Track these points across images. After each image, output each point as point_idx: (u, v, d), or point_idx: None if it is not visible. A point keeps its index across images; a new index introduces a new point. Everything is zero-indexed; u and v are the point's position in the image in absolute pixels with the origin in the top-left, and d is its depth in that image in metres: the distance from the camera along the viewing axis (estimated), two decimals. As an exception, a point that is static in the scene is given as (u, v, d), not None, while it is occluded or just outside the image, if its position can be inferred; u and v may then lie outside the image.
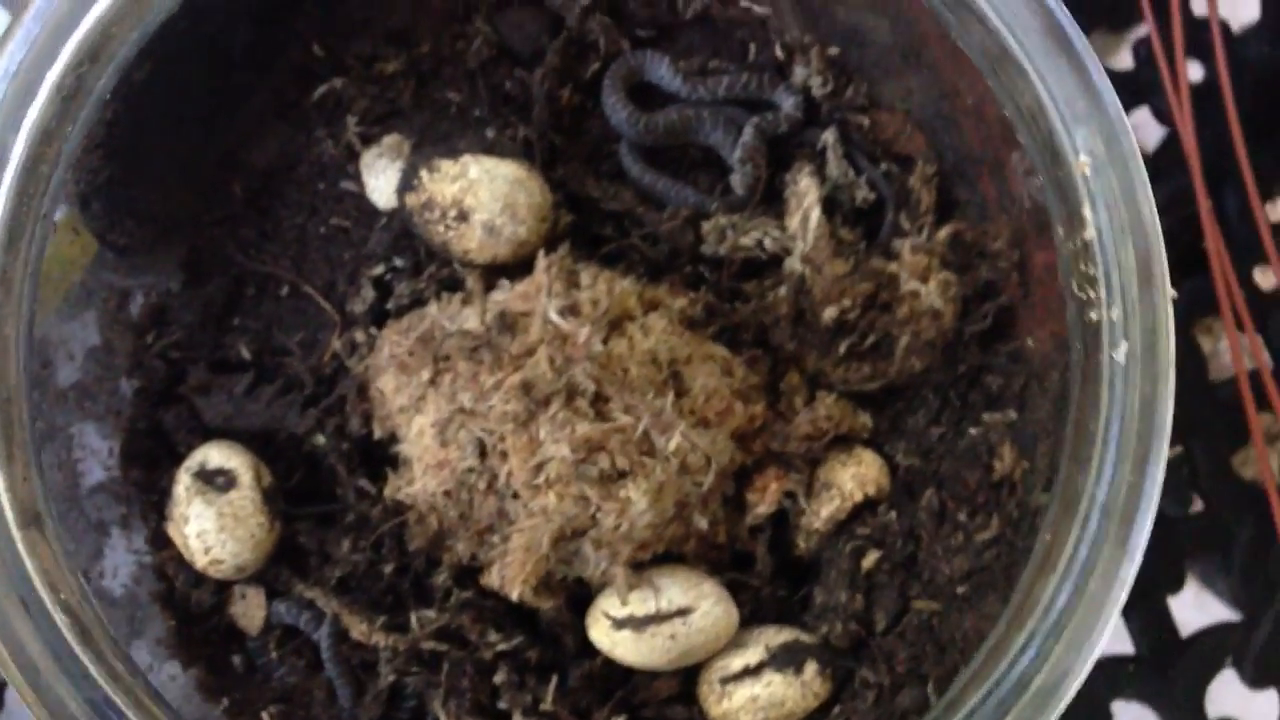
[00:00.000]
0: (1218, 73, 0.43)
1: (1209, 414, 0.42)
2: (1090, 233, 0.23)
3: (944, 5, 0.24)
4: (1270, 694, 0.41)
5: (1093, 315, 0.23)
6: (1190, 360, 0.42)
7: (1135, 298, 0.23)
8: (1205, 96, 0.43)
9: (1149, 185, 0.23)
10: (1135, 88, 0.44)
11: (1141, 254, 0.23)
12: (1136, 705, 0.41)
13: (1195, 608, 0.41)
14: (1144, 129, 0.45)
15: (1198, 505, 0.41)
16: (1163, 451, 0.23)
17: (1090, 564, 0.23)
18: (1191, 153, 0.41)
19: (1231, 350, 0.41)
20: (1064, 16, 0.24)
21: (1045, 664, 0.23)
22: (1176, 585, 0.41)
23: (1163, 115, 0.44)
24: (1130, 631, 0.41)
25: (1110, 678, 0.40)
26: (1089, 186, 0.23)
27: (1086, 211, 0.23)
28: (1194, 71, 0.44)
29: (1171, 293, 0.23)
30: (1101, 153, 0.23)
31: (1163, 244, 0.23)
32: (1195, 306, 0.42)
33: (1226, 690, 0.41)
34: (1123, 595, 0.22)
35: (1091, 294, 0.23)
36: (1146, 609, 0.41)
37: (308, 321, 0.33)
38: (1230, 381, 0.42)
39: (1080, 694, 0.41)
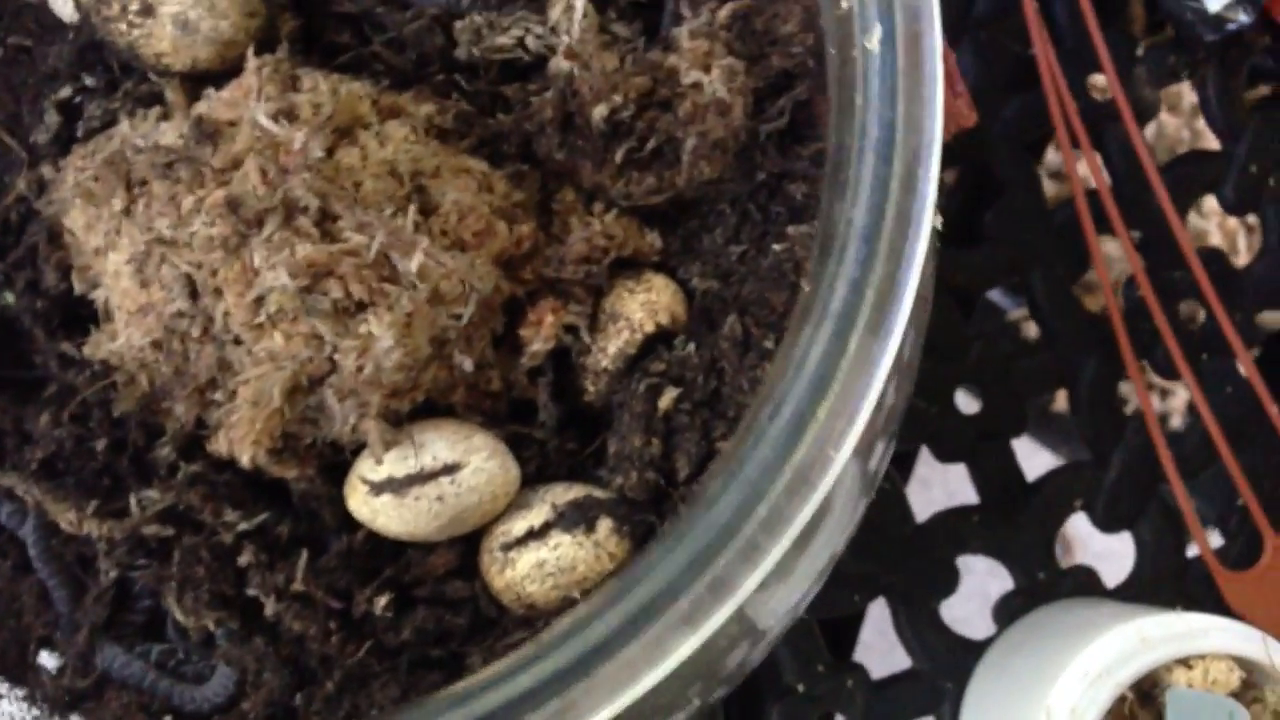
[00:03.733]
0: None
1: (1046, 241, 0.38)
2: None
3: None
4: (1124, 536, 0.38)
5: (843, 5, 0.19)
6: (1026, 185, 0.39)
7: None
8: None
9: None
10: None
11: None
12: (984, 560, 0.38)
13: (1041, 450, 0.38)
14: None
15: (1040, 341, 0.39)
16: (933, 160, 0.19)
17: (851, 309, 0.19)
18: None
19: (1067, 167, 0.38)
20: None
21: (803, 434, 0.19)
22: (1019, 428, 0.38)
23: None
24: (973, 480, 0.38)
25: (953, 532, 0.37)
26: None
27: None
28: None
29: None
30: None
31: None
32: (1028, 124, 0.39)
33: (1077, 534, 0.38)
34: (891, 345, 0.18)
35: None
36: (989, 454, 0.38)
37: (-10, 163, 0.28)
38: (1068, 204, 0.38)
39: (924, 550, 0.38)
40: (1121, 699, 0.30)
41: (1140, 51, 0.39)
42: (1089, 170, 0.38)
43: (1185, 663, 0.30)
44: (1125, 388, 0.39)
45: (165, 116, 0.26)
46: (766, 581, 0.23)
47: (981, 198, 0.39)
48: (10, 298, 0.27)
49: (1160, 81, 0.39)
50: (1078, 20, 0.38)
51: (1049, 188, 0.39)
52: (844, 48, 0.20)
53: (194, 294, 0.25)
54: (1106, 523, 0.38)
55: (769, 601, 0.24)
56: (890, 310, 0.18)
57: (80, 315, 0.27)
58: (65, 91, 0.27)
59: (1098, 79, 0.39)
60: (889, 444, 0.26)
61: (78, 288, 0.27)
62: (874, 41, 0.19)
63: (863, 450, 0.24)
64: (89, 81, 0.27)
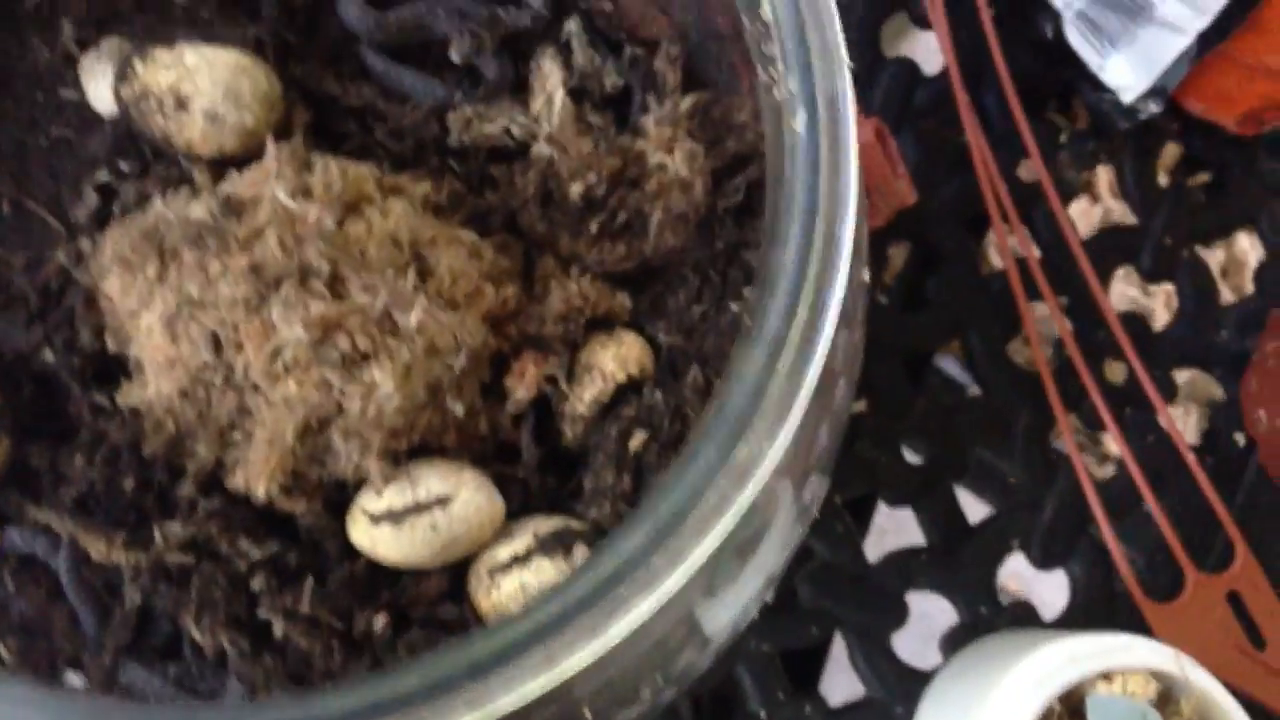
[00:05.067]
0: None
1: (982, 306, 0.42)
2: (766, 11, 0.23)
3: None
4: (1058, 574, 0.41)
5: (776, 95, 0.23)
6: (963, 256, 0.43)
7: (812, 68, 0.23)
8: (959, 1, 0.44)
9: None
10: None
11: (816, 27, 0.23)
12: (931, 595, 0.41)
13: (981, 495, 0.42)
14: (906, 38, 0.46)
15: (976, 393, 0.42)
16: (849, 217, 0.22)
17: (783, 334, 0.22)
18: (946, 50, 0.42)
19: (998, 241, 0.42)
20: None
21: (744, 436, 0.22)
22: (961, 473, 0.41)
23: (921, 20, 0.45)
24: (920, 523, 0.41)
25: (903, 571, 0.41)
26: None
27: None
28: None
29: (848, 63, 0.23)
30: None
31: (837, 17, 0.23)
32: (965, 203, 0.43)
33: (1015, 573, 0.42)
34: (816, 362, 0.22)
35: (774, 74, 0.23)
36: (933, 499, 0.41)
37: (32, 238, 0.31)
38: (1001, 274, 0.42)
39: (874, 588, 0.41)
40: (1050, 712, 0.33)
41: (1063, 138, 0.43)
42: (1019, 243, 0.42)
43: (1107, 677, 0.33)
44: (1058, 439, 0.43)
45: (193, 195, 0.29)
46: (713, 588, 0.26)
47: (924, 269, 0.43)
48: (50, 356, 0.30)
49: (1081, 164, 0.43)
50: (1006, 110, 0.42)
51: (994, 260, 0.43)
52: (777, 128, 0.24)
53: (218, 348, 0.28)
54: (1041, 561, 0.41)
55: (714, 609, 0.27)
56: (815, 334, 0.22)
57: (110, 371, 0.30)
58: (103, 175, 0.31)
59: (1026, 163, 0.44)
60: (823, 480, 0.30)
61: (110, 346, 0.30)
62: (799, 124, 0.23)
63: (797, 480, 0.28)
64: (124, 166, 0.31)
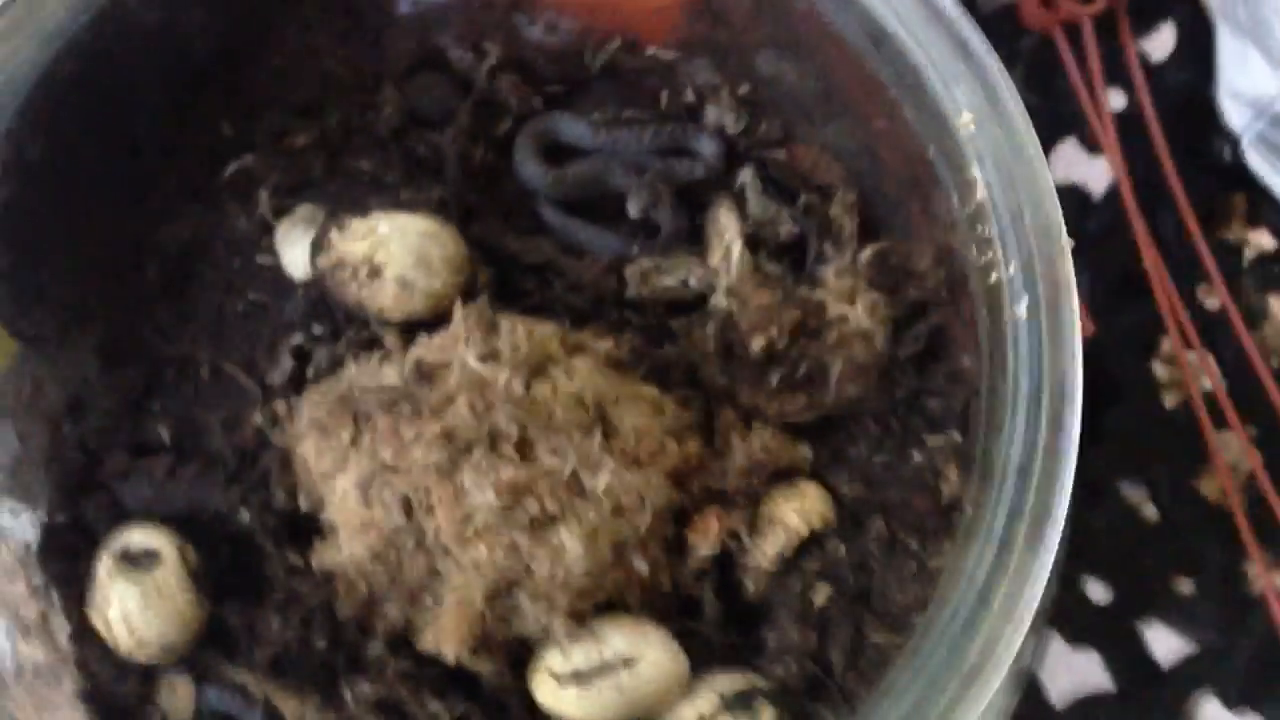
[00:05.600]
0: (1139, 100, 0.43)
1: (1167, 439, 0.41)
2: (981, 193, 0.22)
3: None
4: (1252, 717, 0.39)
5: (992, 278, 0.23)
6: (1144, 387, 0.42)
7: (1032, 252, 0.22)
8: (1130, 124, 0.43)
9: (1036, 139, 0.22)
10: (1061, 121, 0.44)
11: (1034, 208, 0.22)
12: (1121, 744, 0.39)
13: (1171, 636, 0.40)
14: (1074, 163, 0.45)
15: (1164, 531, 0.41)
16: (1075, 406, 0.22)
17: (1011, 531, 0.22)
18: (1120, 175, 0.41)
19: (1182, 370, 0.40)
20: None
21: (974, 637, 0.22)
22: (1147, 610, 0.40)
23: (1090, 145, 0.44)
24: (1105, 666, 0.40)
25: (1088, 717, 0.39)
26: (974, 145, 0.22)
27: (974, 171, 0.22)
28: (1116, 100, 0.44)
29: (1069, 242, 0.22)
30: (983, 109, 0.22)
31: (1056, 197, 0.22)
32: (1143, 331, 0.42)
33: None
34: (1047, 560, 0.21)
35: (989, 256, 0.23)
36: (1118, 639, 0.40)
37: (229, 400, 0.32)
38: (1185, 403, 0.41)
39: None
40: None
41: (1245, 262, 0.42)
42: (1203, 371, 0.40)
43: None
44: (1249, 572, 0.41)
45: (385, 359, 0.30)
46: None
47: (1103, 398, 0.41)
48: (247, 516, 0.31)
49: (1265, 288, 0.42)
50: (1183, 235, 0.41)
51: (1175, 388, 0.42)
52: (994, 313, 0.24)
53: (410, 512, 0.29)
54: (1234, 704, 0.39)
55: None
56: (1044, 530, 0.22)
57: (304, 531, 0.31)
58: (297, 339, 0.32)
59: (1207, 288, 0.42)
60: (1038, 640, 0.29)
61: (303, 507, 0.31)
62: (1022, 309, 0.22)
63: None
64: (317, 330, 0.32)
